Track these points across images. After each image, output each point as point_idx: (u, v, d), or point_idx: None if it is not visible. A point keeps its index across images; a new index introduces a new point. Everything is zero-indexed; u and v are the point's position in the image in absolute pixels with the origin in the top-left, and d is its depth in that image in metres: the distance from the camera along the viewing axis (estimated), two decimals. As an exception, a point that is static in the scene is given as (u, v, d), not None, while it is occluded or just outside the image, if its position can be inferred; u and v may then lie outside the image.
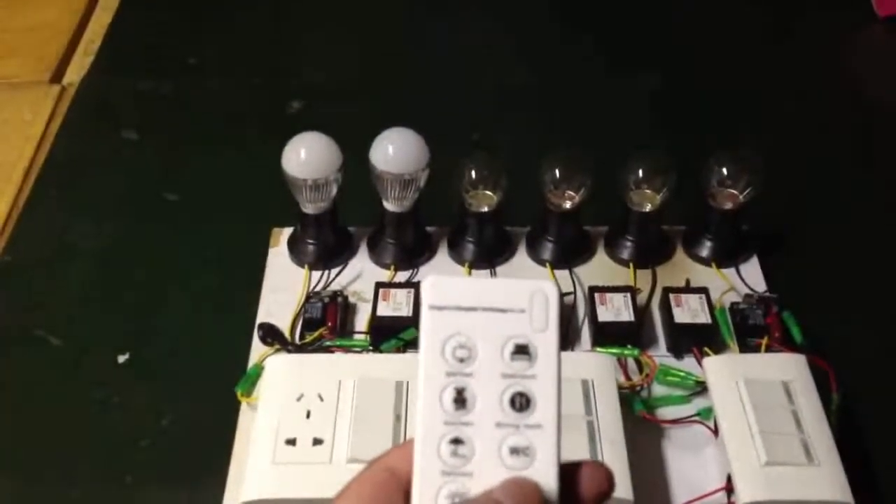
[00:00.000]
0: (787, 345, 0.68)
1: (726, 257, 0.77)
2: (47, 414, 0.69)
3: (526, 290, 0.35)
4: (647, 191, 0.76)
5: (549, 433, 0.34)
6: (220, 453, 0.64)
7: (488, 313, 0.35)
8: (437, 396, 0.34)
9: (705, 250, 0.77)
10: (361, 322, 0.73)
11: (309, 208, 0.75)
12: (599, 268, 0.77)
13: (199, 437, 0.67)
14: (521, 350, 0.35)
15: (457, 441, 0.34)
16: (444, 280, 0.35)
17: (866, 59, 1.10)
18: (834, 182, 0.89)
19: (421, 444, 0.34)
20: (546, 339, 0.35)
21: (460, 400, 0.34)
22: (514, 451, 0.34)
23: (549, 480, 0.34)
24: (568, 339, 0.71)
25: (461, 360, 0.35)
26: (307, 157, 0.72)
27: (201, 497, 0.62)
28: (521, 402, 0.35)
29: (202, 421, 0.68)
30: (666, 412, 0.66)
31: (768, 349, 0.68)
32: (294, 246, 0.78)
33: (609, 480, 0.35)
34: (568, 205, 0.75)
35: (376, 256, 0.77)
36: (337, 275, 0.76)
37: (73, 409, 0.69)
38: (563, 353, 0.66)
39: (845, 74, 1.05)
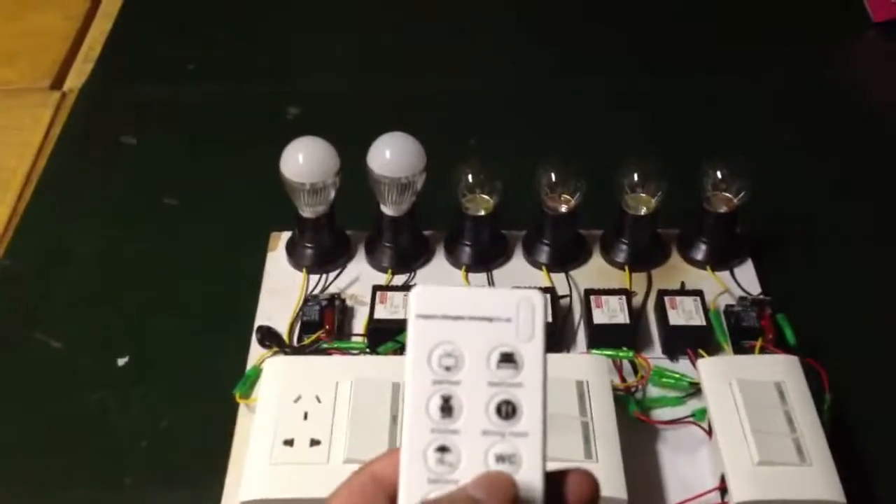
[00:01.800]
0: (781, 346, 0.69)
1: (721, 260, 0.77)
2: (47, 416, 0.70)
3: (513, 300, 0.36)
4: (643, 194, 0.76)
5: (535, 441, 0.35)
6: (219, 455, 0.64)
7: (475, 322, 0.35)
8: (423, 404, 0.35)
9: (700, 253, 0.78)
10: (359, 325, 0.73)
11: (307, 212, 0.76)
12: (595, 271, 0.78)
13: (197, 438, 0.67)
14: (508, 358, 0.35)
15: (443, 449, 0.34)
16: (431, 289, 0.36)
17: (861, 64, 1.11)
18: (828, 185, 0.90)
19: (407, 452, 0.35)
20: (532, 348, 0.35)
21: (447, 408, 0.35)
22: (501, 458, 0.34)
23: (535, 487, 0.34)
24: (563, 341, 0.72)
25: (448, 369, 0.35)
26: (305, 161, 0.72)
27: (200, 498, 0.62)
28: (507, 410, 0.35)
29: (201, 423, 0.68)
30: (660, 413, 0.67)
31: (762, 351, 0.69)
32: (292, 250, 0.78)
33: (595, 488, 0.35)
34: (564, 208, 0.76)
35: (373, 260, 0.78)
36: (335, 278, 0.77)
37: (73, 411, 0.70)
38: (559, 355, 0.68)
39: (840, 79, 1.06)
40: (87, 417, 0.69)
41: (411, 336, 0.35)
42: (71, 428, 0.69)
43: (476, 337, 0.35)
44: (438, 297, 0.36)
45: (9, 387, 0.72)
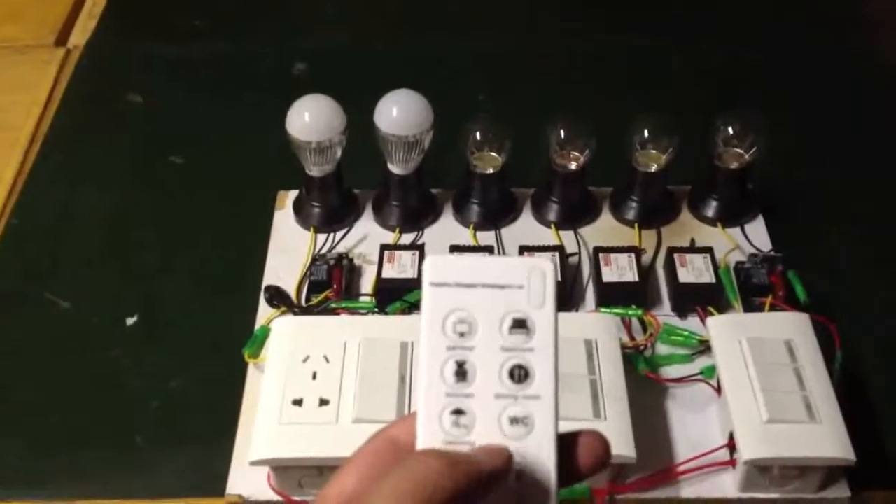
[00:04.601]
0: (791, 304, 0.68)
1: (732, 217, 0.77)
2: (57, 376, 0.70)
3: (524, 268, 0.36)
4: (653, 151, 0.75)
5: (547, 403, 0.35)
6: (229, 414, 0.64)
7: (487, 290, 0.36)
8: (438, 369, 0.35)
9: (711, 210, 0.77)
10: (367, 284, 0.73)
11: (314, 171, 0.75)
12: (604, 228, 0.77)
13: (207, 398, 0.68)
14: (520, 324, 0.36)
15: (458, 412, 0.35)
16: (444, 258, 0.37)
17: (874, 20, 1.09)
18: (839, 142, 0.89)
19: (424, 415, 0.35)
20: (544, 314, 0.36)
21: (461, 373, 0.35)
22: (514, 420, 0.35)
23: (547, 448, 0.35)
24: (572, 299, 0.71)
25: (462, 335, 0.36)
26: (311, 119, 0.72)
27: (210, 457, 0.63)
28: (519, 374, 0.36)
29: (210, 382, 0.68)
30: (669, 371, 0.66)
31: (772, 308, 0.68)
32: (299, 208, 0.78)
33: (606, 449, 0.36)
34: (573, 165, 0.75)
35: (381, 219, 0.78)
36: (342, 237, 0.77)
37: (83, 371, 0.70)
38: (568, 314, 0.68)
39: (851, 35, 1.04)
40: (97, 378, 0.70)
41: (425, 303, 0.36)
42: (81, 388, 0.69)
43: (489, 304, 0.36)
44: (451, 265, 0.36)
45: (18, 346, 0.72)
